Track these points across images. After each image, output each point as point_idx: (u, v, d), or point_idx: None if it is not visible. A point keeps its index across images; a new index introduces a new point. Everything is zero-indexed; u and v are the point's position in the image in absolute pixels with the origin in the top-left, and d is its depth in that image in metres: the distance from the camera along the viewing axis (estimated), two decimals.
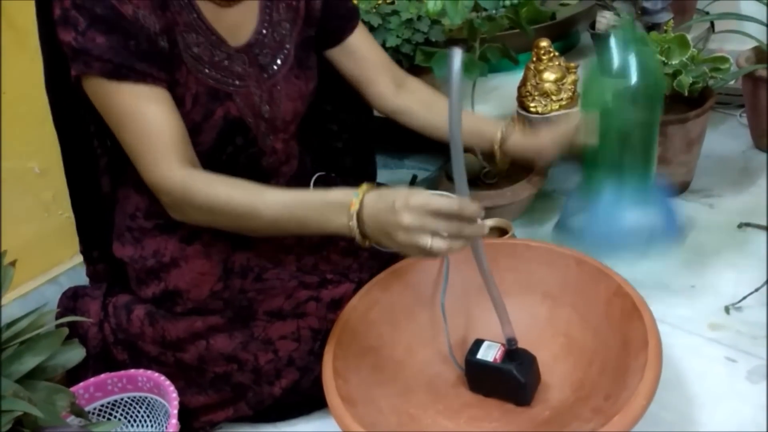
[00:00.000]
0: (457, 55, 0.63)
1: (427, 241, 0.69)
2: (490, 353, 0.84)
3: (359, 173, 1.23)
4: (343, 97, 1.11)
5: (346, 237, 0.76)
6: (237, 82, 0.90)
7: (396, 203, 0.70)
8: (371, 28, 1.30)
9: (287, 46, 0.95)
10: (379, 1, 1.34)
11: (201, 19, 0.86)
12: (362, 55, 1.03)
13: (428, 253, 0.69)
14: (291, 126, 0.99)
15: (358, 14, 1.04)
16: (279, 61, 0.94)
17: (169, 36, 0.83)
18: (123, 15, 0.78)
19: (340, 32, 1.01)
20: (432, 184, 1.40)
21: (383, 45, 1.30)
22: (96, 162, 0.98)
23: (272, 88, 0.93)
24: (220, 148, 0.91)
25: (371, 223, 0.73)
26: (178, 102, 0.84)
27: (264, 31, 0.92)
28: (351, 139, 1.22)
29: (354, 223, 0.74)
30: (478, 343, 0.86)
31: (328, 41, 1.02)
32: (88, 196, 1.00)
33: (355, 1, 1.34)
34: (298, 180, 1.06)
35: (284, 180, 1.02)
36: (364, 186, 0.76)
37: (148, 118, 0.80)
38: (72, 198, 1.01)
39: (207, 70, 0.87)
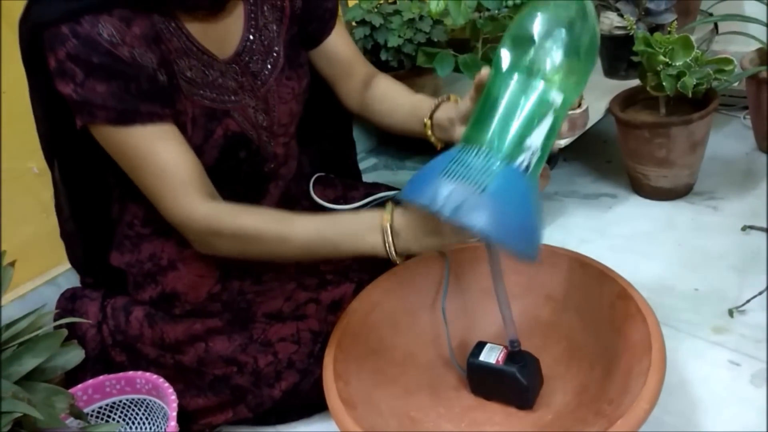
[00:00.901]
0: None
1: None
2: (492, 355, 0.83)
3: (344, 168, 1.22)
4: (325, 93, 1.08)
5: (379, 257, 0.77)
6: (233, 98, 0.89)
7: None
8: (373, 28, 1.30)
9: (276, 48, 0.93)
10: (381, 1, 1.34)
11: (191, 41, 0.84)
12: (337, 56, 1.01)
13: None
14: (290, 128, 0.98)
15: (336, 13, 1.01)
16: (269, 66, 0.93)
17: (167, 69, 0.81)
18: (120, 58, 0.75)
19: (318, 35, 0.99)
20: None
21: (384, 45, 1.30)
22: (109, 193, 0.97)
23: (266, 95, 0.93)
24: (223, 163, 0.90)
25: (408, 229, 0.74)
26: (181, 130, 0.83)
27: (251, 37, 0.91)
28: (335, 138, 1.21)
29: (389, 238, 0.75)
30: (480, 346, 0.85)
31: (306, 43, 1.00)
32: (97, 225, 0.99)
33: (354, 2, 1.34)
34: (295, 182, 1.05)
35: (283, 183, 1.01)
36: (390, 203, 0.77)
37: (162, 157, 0.79)
38: (80, 228, 0.99)
39: (202, 92, 0.86)
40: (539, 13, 0.71)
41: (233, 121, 0.89)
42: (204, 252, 0.86)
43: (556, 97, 0.69)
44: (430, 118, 0.90)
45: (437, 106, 0.90)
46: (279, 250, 0.81)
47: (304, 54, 0.99)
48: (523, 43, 0.71)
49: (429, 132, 0.90)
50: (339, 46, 1.00)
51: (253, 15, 0.91)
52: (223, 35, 0.88)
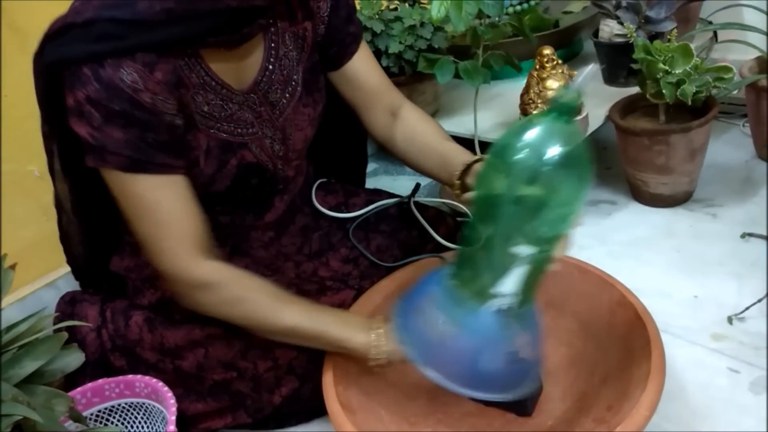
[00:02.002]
0: None
1: None
2: None
3: (351, 175, 1.22)
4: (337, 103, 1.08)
5: (363, 357, 0.80)
6: (250, 130, 0.88)
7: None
8: (374, 34, 1.30)
9: (294, 77, 0.92)
10: (382, 7, 1.34)
11: (210, 75, 0.82)
12: (359, 81, 0.98)
13: None
14: (303, 152, 0.98)
15: (360, 37, 0.98)
16: (287, 95, 0.91)
17: (185, 111, 0.80)
18: (141, 104, 0.73)
19: (339, 58, 0.97)
20: (433, 192, 1.40)
21: (385, 51, 1.30)
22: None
23: (284, 124, 0.92)
24: (235, 190, 0.90)
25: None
26: (193, 163, 0.83)
27: (270, 67, 0.89)
28: (343, 140, 1.21)
29: (374, 348, 0.79)
30: None
31: (327, 66, 0.98)
32: (100, 220, 0.97)
33: (360, 15, 1.35)
34: (300, 192, 1.05)
35: (289, 197, 1.01)
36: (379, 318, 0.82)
37: (166, 207, 0.78)
38: (82, 224, 0.97)
39: (219, 125, 0.85)
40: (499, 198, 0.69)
41: (250, 153, 0.88)
42: (183, 305, 0.85)
43: (525, 250, 0.70)
44: (461, 178, 0.88)
45: (469, 167, 0.88)
46: (264, 327, 0.83)
47: (323, 78, 0.98)
48: (487, 214, 0.71)
49: (457, 191, 0.89)
50: (361, 71, 0.98)
51: (273, 45, 0.89)
52: (243, 67, 0.86)
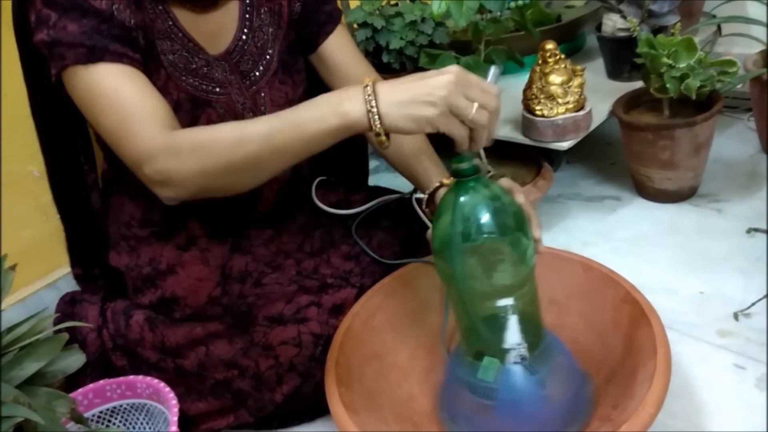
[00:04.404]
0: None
1: (470, 111, 0.67)
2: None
3: (352, 176, 1.22)
4: None
5: (356, 129, 0.70)
6: (217, 89, 0.89)
7: (430, 73, 0.69)
8: (374, 30, 1.29)
9: (269, 51, 0.93)
10: (383, 3, 1.33)
11: (177, 26, 0.84)
12: (335, 65, 0.98)
13: (463, 116, 0.68)
14: None
15: (338, 19, 0.98)
16: (261, 68, 0.92)
17: (146, 35, 0.82)
18: (95, 7, 0.77)
19: (314, 38, 0.97)
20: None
21: (386, 47, 1.29)
22: (83, 179, 0.97)
23: (255, 95, 0.92)
24: None
25: (392, 98, 0.69)
26: None
27: (244, 37, 0.90)
28: (344, 143, 1.20)
29: (365, 103, 0.69)
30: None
31: (304, 47, 0.98)
32: (79, 214, 0.99)
33: (355, 4, 1.34)
34: (294, 185, 1.05)
35: (278, 185, 1.00)
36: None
37: (124, 91, 0.77)
38: (63, 217, 1.00)
39: (184, 77, 0.86)
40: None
41: (215, 112, 0.89)
42: (166, 196, 0.78)
43: (507, 302, 0.73)
44: (430, 200, 0.93)
45: (436, 189, 0.93)
46: (240, 152, 0.73)
47: (302, 61, 0.98)
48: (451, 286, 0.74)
49: (424, 207, 0.93)
50: (337, 53, 0.98)
51: (248, 15, 0.91)
52: (215, 31, 0.88)
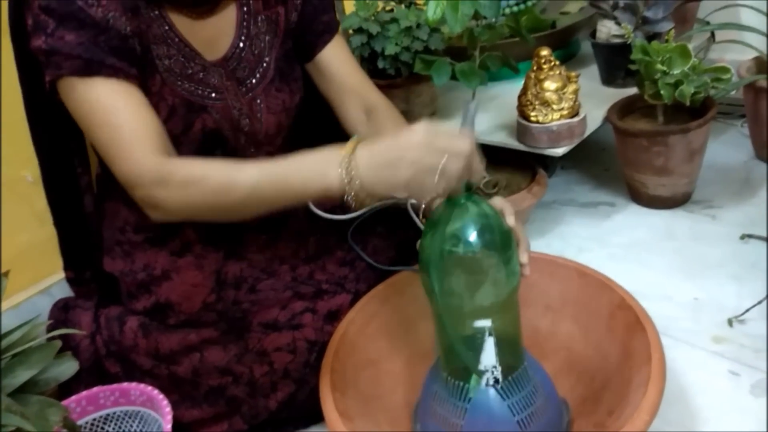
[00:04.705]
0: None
1: (440, 162, 0.68)
2: None
3: None
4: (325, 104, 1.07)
5: (334, 198, 0.74)
6: (213, 95, 0.89)
7: (401, 134, 0.70)
8: (370, 36, 1.29)
9: (266, 59, 0.93)
10: (378, 9, 1.33)
11: (173, 31, 0.85)
12: (332, 74, 0.99)
13: (438, 182, 0.69)
14: (276, 139, 0.98)
15: (335, 29, 0.99)
16: (257, 75, 0.92)
17: (141, 41, 0.82)
18: (91, 16, 0.77)
19: (311, 47, 0.98)
20: None
21: (382, 53, 1.29)
22: (77, 181, 0.97)
23: (251, 102, 0.92)
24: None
25: (370, 163, 0.72)
26: (157, 113, 0.83)
27: (241, 45, 0.91)
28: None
29: (344, 171, 0.72)
30: None
31: (301, 56, 0.99)
32: (72, 217, 0.99)
33: (350, 10, 1.34)
34: None
35: None
36: (355, 137, 0.75)
37: (119, 111, 0.78)
38: (56, 220, 0.99)
39: (180, 82, 0.86)
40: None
41: (210, 118, 0.89)
42: (154, 217, 0.81)
43: (485, 323, 0.73)
44: (427, 206, 0.90)
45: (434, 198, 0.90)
46: (226, 198, 0.77)
47: (299, 69, 0.99)
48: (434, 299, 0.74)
49: (421, 213, 0.93)
50: (334, 63, 0.99)
51: (245, 23, 0.91)
52: (212, 37, 0.88)
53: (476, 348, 0.74)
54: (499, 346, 0.74)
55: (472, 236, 0.70)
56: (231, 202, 0.77)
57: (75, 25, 0.76)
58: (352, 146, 0.74)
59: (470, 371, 0.74)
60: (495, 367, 0.74)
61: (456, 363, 0.76)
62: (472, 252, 0.70)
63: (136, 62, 0.81)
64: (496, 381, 0.74)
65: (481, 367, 0.74)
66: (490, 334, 0.73)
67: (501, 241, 0.71)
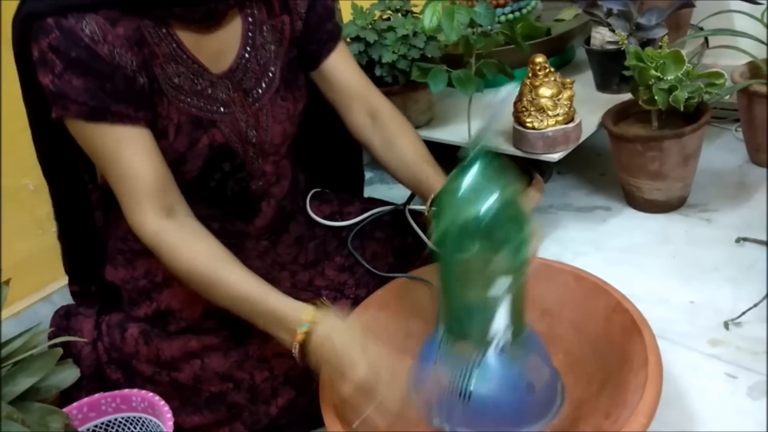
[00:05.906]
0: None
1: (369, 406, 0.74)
2: None
3: (347, 187, 1.22)
4: (329, 110, 1.07)
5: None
6: (222, 109, 0.89)
7: (347, 361, 0.74)
8: (367, 44, 1.30)
9: (272, 68, 0.93)
10: (375, 17, 1.34)
11: (181, 48, 0.85)
12: (336, 80, 1.00)
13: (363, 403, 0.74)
14: (281, 148, 0.98)
15: (338, 36, 1.00)
16: (263, 85, 0.93)
17: (148, 72, 0.82)
18: (98, 55, 0.77)
19: (316, 55, 0.99)
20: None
21: (379, 61, 1.30)
22: (88, 197, 0.97)
23: (258, 113, 0.92)
24: (208, 174, 0.90)
25: (319, 356, 0.76)
26: (161, 134, 0.84)
27: (246, 55, 0.91)
28: (339, 153, 1.21)
29: (296, 350, 0.77)
30: None
31: (305, 64, 0.99)
32: (80, 231, 0.99)
33: (348, 18, 1.35)
34: (290, 199, 1.05)
35: (275, 201, 1.01)
36: (311, 313, 0.77)
37: (124, 162, 0.80)
38: (62, 233, 0.99)
39: (189, 99, 0.86)
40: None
41: (219, 132, 0.89)
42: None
43: (500, 288, 0.73)
44: (432, 204, 0.92)
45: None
46: (207, 293, 0.82)
47: (303, 77, 0.99)
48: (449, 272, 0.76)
49: (426, 212, 0.93)
50: (338, 70, 0.99)
51: (250, 34, 0.91)
52: (218, 50, 0.88)
53: (487, 312, 0.75)
54: (512, 308, 0.75)
55: (494, 197, 0.71)
56: (209, 298, 0.82)
57: (81, 70, 0.76)
58: (304, 332, 0.77)
59: (482, 335, 0.75)
60: (507, 328, 0.75)
61: (466, 329, 0.77)
62: (491, 215, 0.70)
63: (144, 102, 0.82)
64: (508, 344, 0.76)
65: (494, 328, 0.75)
66: (507, 292, 0.74)
67: (517, 207, 0.73)
